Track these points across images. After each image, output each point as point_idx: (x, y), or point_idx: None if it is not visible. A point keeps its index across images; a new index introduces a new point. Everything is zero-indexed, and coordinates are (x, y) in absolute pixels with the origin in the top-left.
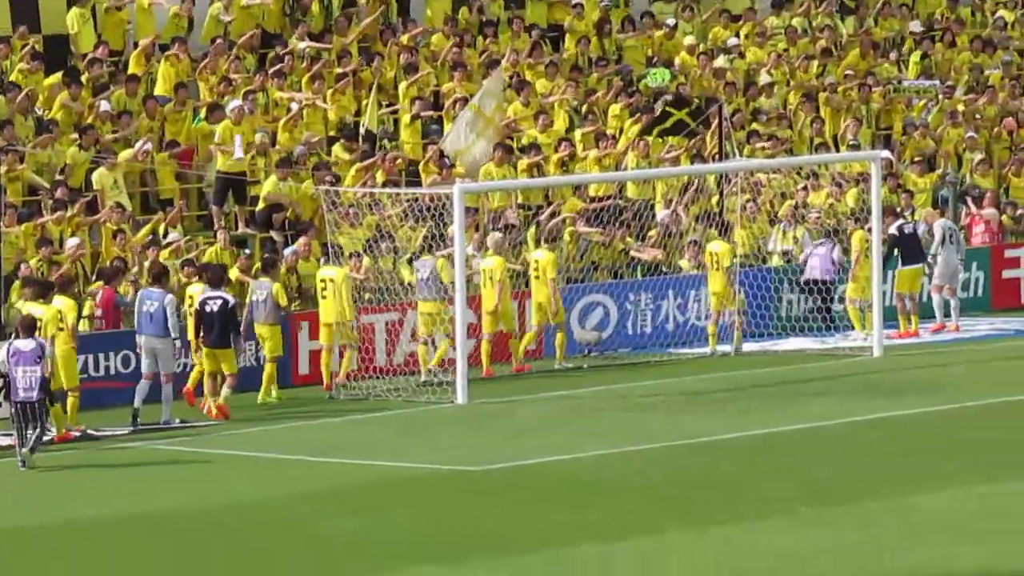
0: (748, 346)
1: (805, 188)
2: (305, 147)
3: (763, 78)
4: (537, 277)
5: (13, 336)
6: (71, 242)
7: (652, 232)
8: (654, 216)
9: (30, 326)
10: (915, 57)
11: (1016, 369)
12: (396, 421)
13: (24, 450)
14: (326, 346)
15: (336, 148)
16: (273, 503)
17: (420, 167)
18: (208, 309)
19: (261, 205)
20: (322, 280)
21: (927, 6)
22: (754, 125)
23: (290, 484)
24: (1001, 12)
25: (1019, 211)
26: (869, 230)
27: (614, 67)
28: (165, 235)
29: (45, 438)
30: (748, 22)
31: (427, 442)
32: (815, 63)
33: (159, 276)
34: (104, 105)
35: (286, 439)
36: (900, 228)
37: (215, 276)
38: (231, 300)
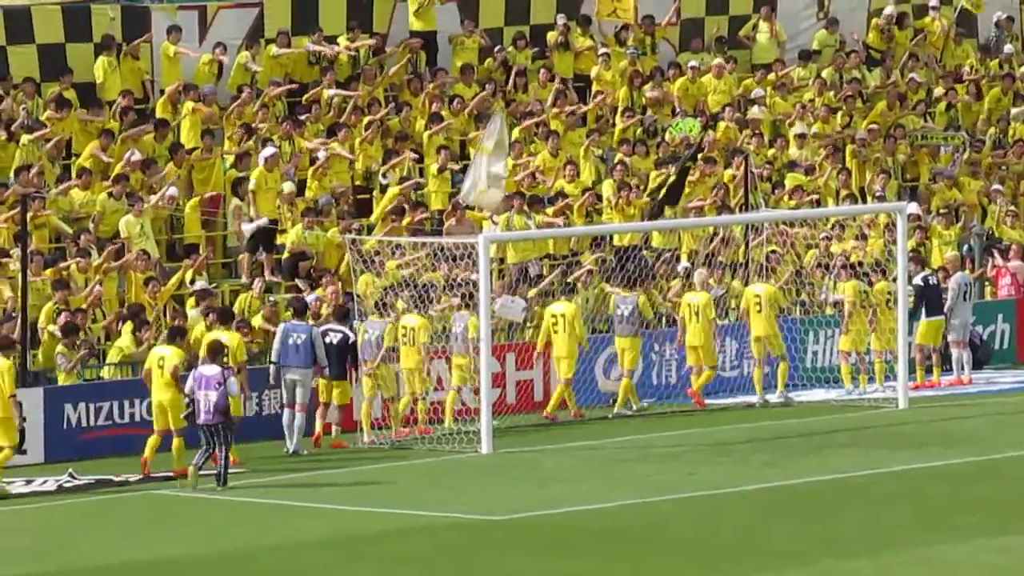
0: (769, 396)
1: (828, 238)
2: (331, 196)
3: (796, 128)
4: (759, 311)
5: (200, 361)
6: (98, 288)
7: (675, 282)
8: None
9: (217, 351)
10: (940, 108)
11: None
12: (420, 470)
13: (217, 488)
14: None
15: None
16: (290, 551)
17: (445, 216)
18: (328, 340)
19: (287, 253)
20: (553, 316)
21: (954, 58)
22: (789, 176)
23: (309, 532)
24: None
25: None
26: (868, 282)
27: (639, 117)
28: (192, 282)
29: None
30: (775, 73)
31: (450, 491)
32: (841, 114)
33: (301, 310)
34: (136, 154)
35: (307, 487)
36: (925, 279)
37: (340, 311)
38: (351, 335)
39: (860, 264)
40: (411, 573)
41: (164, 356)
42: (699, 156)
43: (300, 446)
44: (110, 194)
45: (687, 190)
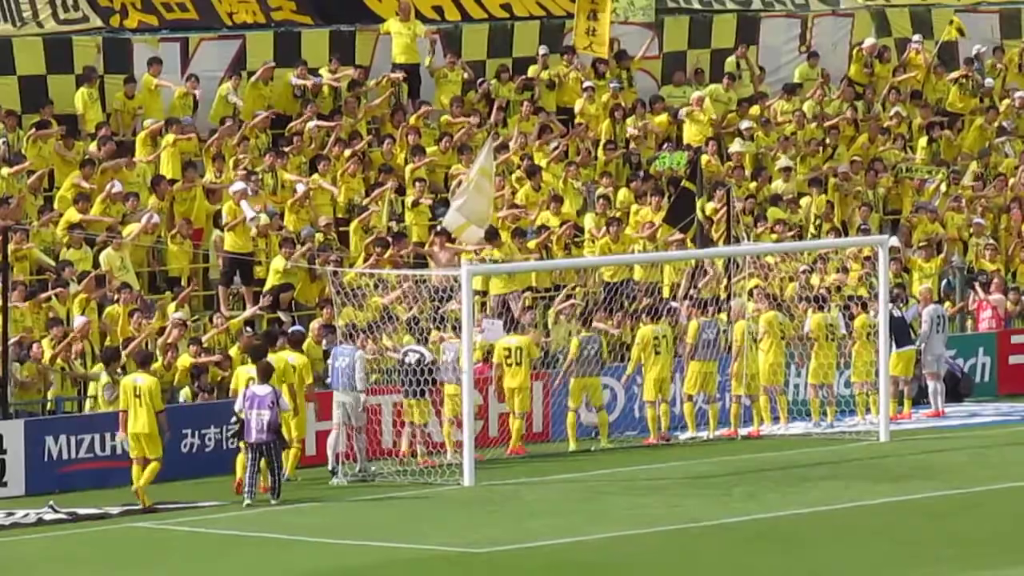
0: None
1: (807, 271)
2: (312, 228)
3: (780, 162)
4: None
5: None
6: (79, 320)
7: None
8: (663, 299)
9: (267, 372)
10: (922, 142)
11: (1020, 456)
12: (402, 503)
13: (273, 501)
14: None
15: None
16: None
17: (426, 249)
18: (406, 360)
19: (268, 285)
20: (655, 338)
21: (935, 92)
22: (772, 210)
23: (292, 566)
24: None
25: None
26: (850, 315)
27: (622, 151)
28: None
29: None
30: (758, 106)
31: (432, 524)
32: (824, 148)
33: (350, 335)
34: (117, 186)
35: (291, 520)
36: (889, 312)
37: (419, 332)
38: (428, 355)
39: (838, 294)
40: None
41: (252, 376)
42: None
43: (362, 465)
44: (69, 245)
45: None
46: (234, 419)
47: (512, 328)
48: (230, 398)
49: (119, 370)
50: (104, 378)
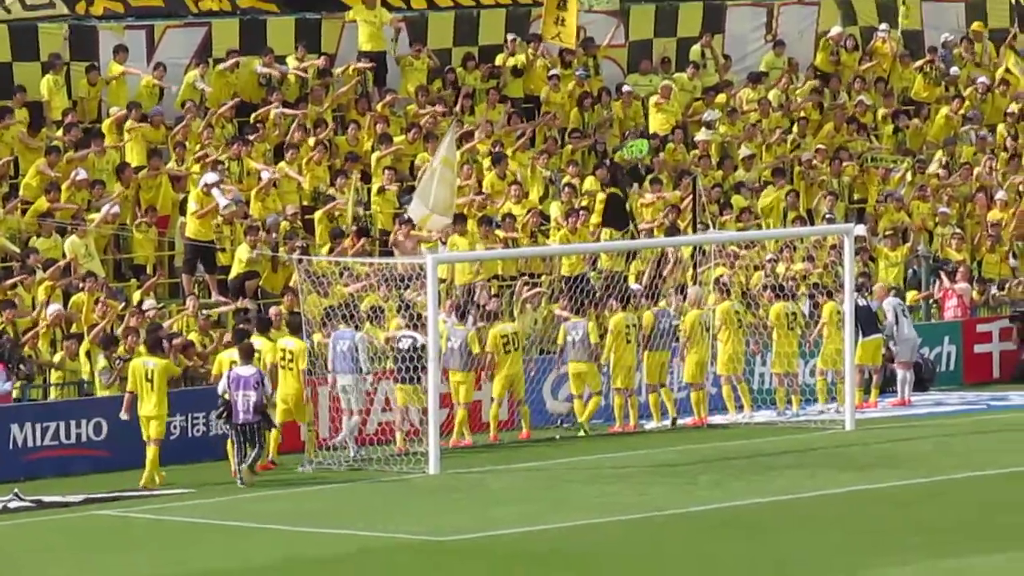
0: (716, 419)
1: (772, 260)
2: (277, 216)
3: (742, 151)
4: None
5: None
6: (52, 308)
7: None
8: (627, 288)
9: (250, 353)
10: (888, 131)
11: (985, 444)
12: (368, 490)
13: (243, 467)
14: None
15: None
16: (235, 574)
17: (391, 238)
18: (399, 346)
19: (234, 274)
20: (626, 327)
21: (902, 80)
22: (736, 198)
23: (254, 554)
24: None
25: (991, 289)
26: (815, 303)
27: (589, 139)
28: (140, 303)
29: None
30: (723, 93)
31: (397, 512)
32: (790, 137)
33: (347, 319)
34: (81, 173)
35: (255, 508)
36: (855, 301)
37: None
38: (420, 339)
39: (804, 282)
40: None
41: (235, 359)
42: (629, 179)
43: (354, 450)
44: (39, 234)
45: (638, 214)
46: (220, 401)
47: (489, 318)
48: (207, 386)
49: (116, 357)
50: (101, 362)
